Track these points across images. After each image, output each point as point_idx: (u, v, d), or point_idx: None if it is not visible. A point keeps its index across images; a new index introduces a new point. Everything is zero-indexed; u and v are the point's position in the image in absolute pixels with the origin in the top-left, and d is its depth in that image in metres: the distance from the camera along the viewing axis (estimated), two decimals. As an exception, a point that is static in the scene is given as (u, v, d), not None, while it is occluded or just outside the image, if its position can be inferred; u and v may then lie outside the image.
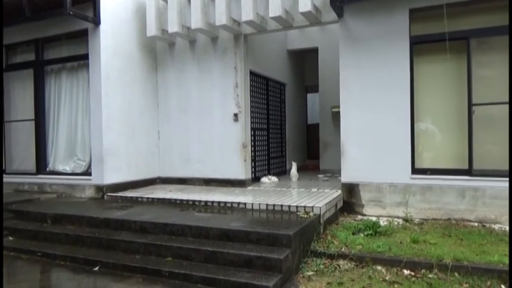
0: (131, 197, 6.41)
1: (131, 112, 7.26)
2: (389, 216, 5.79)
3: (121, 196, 6.53)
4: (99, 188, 6.73)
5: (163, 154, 7.90)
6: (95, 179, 6.77)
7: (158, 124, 7.92)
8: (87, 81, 7.01)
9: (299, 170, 8.82)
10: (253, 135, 7.81)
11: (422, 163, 5.80)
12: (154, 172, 7.81)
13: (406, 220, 5.54)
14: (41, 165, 7.40)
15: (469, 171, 5.49)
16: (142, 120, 7.53)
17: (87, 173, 6.95)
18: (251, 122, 7.61)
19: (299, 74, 10.99)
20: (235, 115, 7.15)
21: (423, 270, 3.96)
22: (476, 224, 5.24)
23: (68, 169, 7.25)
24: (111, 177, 6.79)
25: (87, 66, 6.92)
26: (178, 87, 7.72)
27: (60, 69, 7.40)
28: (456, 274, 3.84)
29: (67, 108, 7.32)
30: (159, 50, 7.91)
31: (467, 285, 3.69)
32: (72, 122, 7.27)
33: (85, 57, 6.89)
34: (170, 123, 7.81)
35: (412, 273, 3.95)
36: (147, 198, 6.26)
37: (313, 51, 10.03)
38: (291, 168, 8.24)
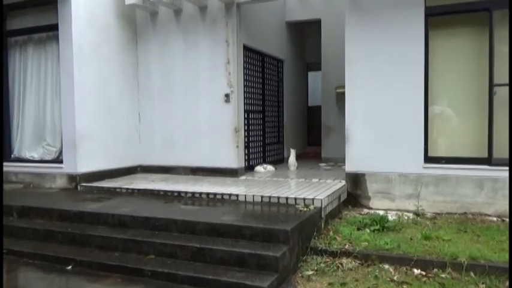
0: (108, 188, 6.39)
1: (108, 91, 7.20)
2: (398, 210, 5.84)
3: (97, 186, 6.51)
4: (72, 178, 6.70)
5: (144, 139, 7.87)
6: (67, 167, 6.73)
7: (139, 105, 7.87)
8: (57, 56, 6.91)
9: (298, 158, 8.83)
10: (247, 119, 7.79)
11: (437, 151, 5.83)
12: (134, 159, 7.78)
13: (417, 214, 5.59)
14: (5, 151, 7.34)
15: (488, 160, 5.52)
16: (120, 100, 7.48)
17: (58, 160, 6.91)
18: (244, 104, 7.58)
19: (299, 49, 10.92)
20: (227, 95, 7.11)
21: (435, 270, 4.01)
22: (495, 219, 5.30)
23: (36, 156, 7.20)
24: (85, 165, 6.75)
25: (56, 38, 6.81)
26: (161, 63, 7.65)
27: (25, 41, 7.28)
28: (472, 274, 3.89)
29: (34, 87, 7.22)
30: (140, 21, 7.79)
31: (484, 285, 3.73)
32: (40, 102, 7.19)
33: (54, 27, 6.77)
34: (152, 104, 7.76)
35: (423, 273, 3.99)
36: (127, 188, 6.25)
37: (315, 24, 9.95)
38: (289, 156, 8.25)
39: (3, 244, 4.48)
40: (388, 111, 5.92)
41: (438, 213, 5.64)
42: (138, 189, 6.16)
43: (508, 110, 5.38)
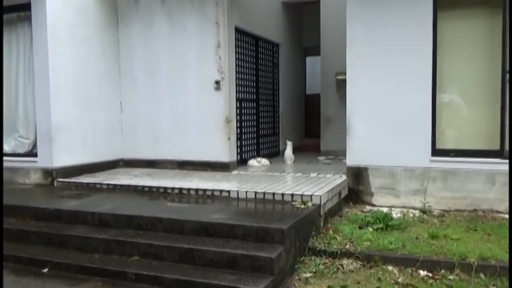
0: (88, 183, 6.37)
1: (86, 77, 7.14)
2: (403, 207, 5.87)
3: (75, 182, 6.48)
4: (48, 172, 6.67)
5: (127, 130, 7.83)
6: (42, 161, 6.68)
7: (120, 93, 7.83)
8: (29, 38, 6.83)
9: (295, 150, 8.84)
10: (239, 108, 7.77)
11: (445, 143, 5.86)
12: (116, 153, 7.75)
13: (423, 211, 5.63)
14: (-26, 143, 7.27)
15: (500, 153, 5.56)
16: (100, 87, 7.42)
17: (32, 153, 6.86)
18: (236, 92, 7.56)
19: (296, 32, 10.89)
20: (217, 82, 7.09)
21: (443, 271, 4.04)
22: (507, 216, 5.35)
23: (7, 149, 7.14)
24: (62, 158, 6.71)
25: (29, 19, 6.72)
26: (145, 47, 7.60)
27: (-6, 22, 7.20)
28: (482, 275, 3.92)
29: (5, 73, 7.14)
30: (121, 0, 7.72)
31: (495, 287, 3.78)
32: (11, 90, 7.11)
33: (26, 7, 6.69)
34: (135, 92, 7.73)
35: (430, 274, 4.02)
36: (108, 184, 6.23)
37: (314, 4, 9.91)
38: (285, 149, 8.26)
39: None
40: (393, 100, 5.93)
41: (446, 211, 5.69)
42: (121, 185, 6.14)
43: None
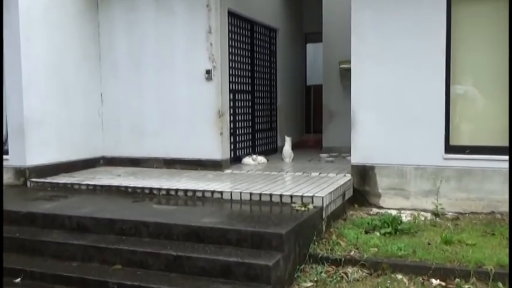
0: (65, 184, 6.36)
1: (63, 66, 7.11)
2: (414, 209, 5.89)
3: (51, 182, 6.47)
4: (20, 172, 6.64)
5: (108, 125, 7.82)
6: (14, 159, 6.66)
7: (101, 83, 7.80)
8: (-1, 22, 6.79)
9: (295, 147, 8.83)
10: (233, 100, 7.77)
11: (460, 139, 5.87)
12: (96, 150, 7.73)
13: (436, 214, 5.65)
14: None
15: (520, 150, 5.58)
16: (78, 77, 7.39)
17: (3, 150, 6.83)
18: (230, 82, 7.55)
19: (296, 16, 10.87)
20: (208, 72, 7.07)
21: (457, 280, 4.05)
22: (527, 219, 5.38)
23: (-25, 145, 7.11)
24: (36, 156, 6.69)
25: (-2, 0, 6.68)
26: (129, 33, 7.58)
27: (-40, 4, 7.14)
28: (500, 284, 3.94)
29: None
30: (101, -20, 7.72)
31: (514, 298, 3.80)
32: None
33: (-5, -13, 6.64)
34: (118, 83, 7.70)
35: (443, 283, 4.04)
36: (87, 185, 6.22)
37: (316, -15, 9.91)
38: (283, 146, 8.26)
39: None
40: (403, 92, 5.93)
41: (461, 213, 5.71)
42: (101, 186, 6.13)
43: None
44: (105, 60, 7.77)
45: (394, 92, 5.97)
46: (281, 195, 5.20)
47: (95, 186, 6.17)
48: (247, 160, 7.81)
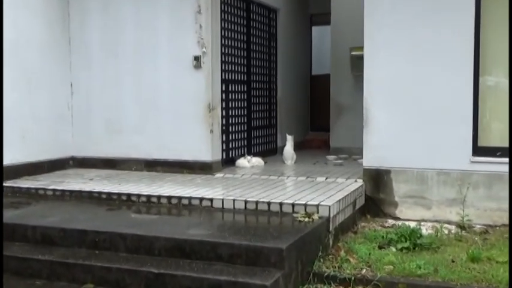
0: (28, 189, 6.34)
1: (26, 51, 7.09)
2: (436, 221, 5.89)
3: (11, 187, 6.44)
4: (-25, 174, 6.62)
5: (79, 120, 7.80)
6: (-32, 159, 6.63)
7: (71, 72, 7.78)
8: (-48, -1, 6.77)
9: (298, 147, 8.83)
10: (226, 92, 7.76)
11: (490, 139, 5.88)
12: (65, 149, 7.70)
13: (461, 227, 5.65)
14: None
15: (560, 152, 5.59)
16: (44, 64, 7.37)
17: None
18: (222, 71, 7.54)
19: (300, -6, 10.87)
20: (197, 59, 7.06)
21: (486, 303, 4.07)
22: None
23: None
24: (-6, 156, 6.66)
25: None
26: (104, 13, 7.57)
27: None
28: (535, 309, 3.95)
29: None
30: (72, -50, 7.70)
31: (551, 325, 3.81)
32: None
33: None
34: (90, 71, 7.69)
35: (469, 308, 4.05)
36: (54, 190, 6.20)
37: (323, -42, 9.91)
38: (284, 146, 8.25)
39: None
40: (424, 83, 5.94)
41: (490, 226, 5.71)
42: (71, 191, 6.11)
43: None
44: (76, 45, 7.75)
45: (414, 83, 5.97)
46: (281, 204, 5.19)
47: (63, 191, 6.15)
48: (241, 162, 7.80)
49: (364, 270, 4.49)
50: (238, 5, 8.22)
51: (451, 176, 5.90)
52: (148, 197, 5.75)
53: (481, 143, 5.85)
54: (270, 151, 9.29)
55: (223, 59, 7.60)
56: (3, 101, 6.74)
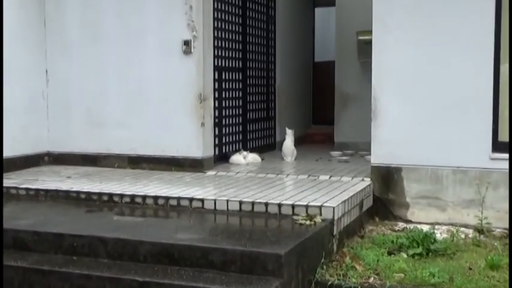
0: (-2, 188, 6.33)
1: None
2: (451, 224, 5.90)
3: (-21, 186, 6.44)
4: None
5: (56, 112, 7.80)
6: None
7: (46, 58, 7.78)
8: None
9: (299, 142, 8.83)
10: (219, 81, 7.76)
11: (512, 133, 5.89)
12: (39, 143, 7.70)
13: (479, 231, 5.66)
14: None
15: None
16: (16, 50, 7.35)
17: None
18: (215, 57, 7.54)
19: (301, -28, 10.85)
20: (186, 43, 7.05)
21: (506, 315, 4.08)
22: None
23: None
24: (-40, 151, 6.65)
25: None
26: (83, -8, 7.58)
27: None
28: (561, 321, 3.97)
29: None
30: None
31: None
32: None
33: None
34: (69, 57, 7.68)
35: (488, 320, 4.07)
36: (27, 189, 6.19)
37: None
38: (283, 140, 8.26)
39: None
40: (438, 72, 5.94)
41: (512, 229, 5.73)
42: (46, 191, 6.10)
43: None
44: (52, 27, 7.73)
45: (428, 72, 5.97)
46: (280, 205, 5.19)
47: (37, 190, 6.14)
48: (236, 158, 7.80)
49: (372, 278, 4.49)
50: (233, -16, 8.22)
51: (468, 174, 5.90)
52: (133, 197, 5.75)
53: (502, 137, 5.83)
54: (268, 146, 9.30)
55: (216, 43, 7.59)
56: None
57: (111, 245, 4.55)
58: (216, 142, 7.68)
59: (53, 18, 7.71)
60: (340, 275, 4.57)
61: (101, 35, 7.51)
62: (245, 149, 8.23)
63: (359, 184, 6.10)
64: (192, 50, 7.05)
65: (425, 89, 5.99)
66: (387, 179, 6.18)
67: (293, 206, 5.14)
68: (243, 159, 7.78)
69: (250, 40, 8.76)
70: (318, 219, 4.92)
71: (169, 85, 7.20)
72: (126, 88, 7.43)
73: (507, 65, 5.83)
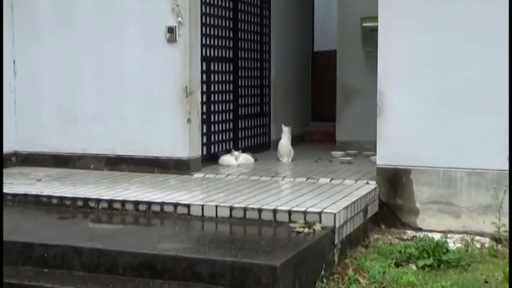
0: (-41, 192, 6.31)
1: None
2: (466, 232, 5.90)
3: None
4: None
5: (24, 107, 7.81)
6: None
7: (13, 46, 7.78)
8: None
9: (297, 141, 8.84)
10: (207, 72, 7.76)
11: (533, 131, 5.91)
12: (6, 142, 7.61)
13: (497, 239, 5.66)
14: None
15: None
16: (-21, 38, 7.33)
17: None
18: (202, 46, 7.55)
19: (299, -49, 10.86)
20: (171, 30, 7.04)
21: (526, 334, 4.10)
22: None
23: None
24: None
25: None
26: (55, -27, 7.57)
27: None
28: None
29: None
30: None
31: None
32: None
33: None
34: (39, 46, 7.68)
35: None
36: (-7, 193, 6.19)
37: None
38: (279, 139, 8.26)
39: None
40: (452, 63, 5.95)
41: (532, 238, 5.75)
42: (13, 195, 6.10)
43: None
44: (20, 12, 7.72)
45: (440, 63, 5.99)
46: (275, 211, 5.18)
47: (4, 195, 6.11)
48: (226, 159, 7.80)
49: (377, 293, 4.52)
50: (223, -36, 8.22)
51: (485, 177, 5.91)
52: (110, 202, 5.73)
53: (523, 136, 5.87)
54: (262, 146, 9.31)
55: (204, 31, 7.60)
56: None
57: (86, 255, 4.53)
58: (204, 141, 7.68)
59: (21, 2, 7.69)
60: (342, 288, 4.59)
61: (75, 21, 7.50)
62: (236, 149, 8.22)
63: (363, 188, 6.12)
64: (177, 38, 7.04)
65: (438, 81, 6.00)
66: (395, 182, 6.19)
67: (290, 212, 5.13)
68: (234, 160, 7.78)
69: (242, 27, 8.76)
70: (318, 226, 4.92)
71: (151, 77, 7.20)
72: (103, 80, 7.43)
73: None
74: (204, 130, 7.68)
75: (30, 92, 7.75)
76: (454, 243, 5.59)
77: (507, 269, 4.77)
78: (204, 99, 7.65)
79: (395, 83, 6.13)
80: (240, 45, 8.68)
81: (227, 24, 8.34)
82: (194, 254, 4.37)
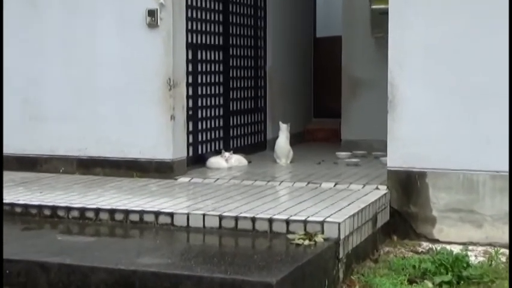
0: None
1: None
2: (489, 244, 5.92)
3: None
4: None
5: (-17, 102, 7.78)
6: None
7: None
8: None
9: (296, 140, 8.85)
10: (193, 62, 7.78)
11: None
12: (-37, 143, 7.69)
13: (524, 252, 5.69)
14: None
15: None
16: None
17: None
18: (188, 31, 7.57)
19: None
20: (151, 14, 7.04)
21: None
22: None
23: None
24: None
25: None
26: None
27: None
28: None
29: None
30: None
31: None
32: None
33: None
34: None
35: None
36: None
37: None
38: (276, 138, 8.27)
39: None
40: (472, 53, 5.97)
41: None
42: (-29, 203, 6.09)
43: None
44: (-22, -8, 7.72)
45: (461, 50, 6.00)
46: (270, 220, 5.18)
47: (-40, 203, 6.13)
48: (216, 161, 7.81)
49: (388, 314, 4.53)
50: None
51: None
52: (82, 210, 5.73)
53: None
54: (257, 146, 9.34)
55: (189, 14, 7.61)
56: None
57: (54, 272, 4.52)
58: (190, 140, 7.70)
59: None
60: (347, 309, 4.61)
61: (42, 4, 7.51)
62: (227, 149, 8.24)
63: (372, 194, 6.12)
64: (158, 23, 7.05)
65: (457, 72, 6.02)
66: (408, 186, 6.20)
67: (288, 222, 5.13)
68: (225, 162, 7.80)
69: (234, 10, 8.78)
70: (320, 238, 4.91)
71: (129, 67, 7.21)
72: (75, 71, 7.43)
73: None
74: (190, 128, 7.69)
75: (-10, 85, 7.75)
76: (476, 256, 5.61)
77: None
78: (190, 93, 7.67)
79: (408, 73, 6.14)
80: (231, 31, 8.70)
81: (216, 7, 8.35)
82: (178, 270, 4.36)
